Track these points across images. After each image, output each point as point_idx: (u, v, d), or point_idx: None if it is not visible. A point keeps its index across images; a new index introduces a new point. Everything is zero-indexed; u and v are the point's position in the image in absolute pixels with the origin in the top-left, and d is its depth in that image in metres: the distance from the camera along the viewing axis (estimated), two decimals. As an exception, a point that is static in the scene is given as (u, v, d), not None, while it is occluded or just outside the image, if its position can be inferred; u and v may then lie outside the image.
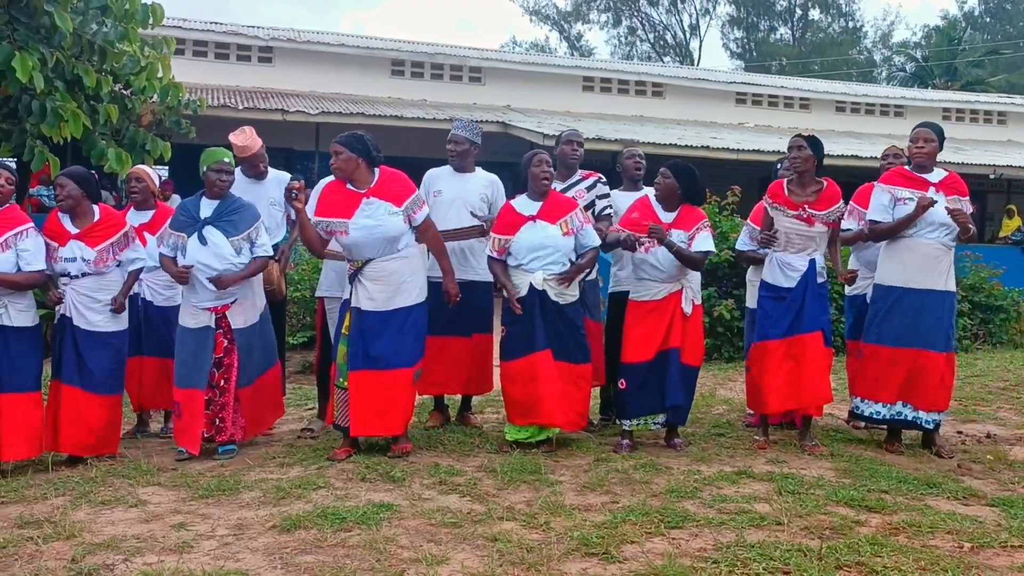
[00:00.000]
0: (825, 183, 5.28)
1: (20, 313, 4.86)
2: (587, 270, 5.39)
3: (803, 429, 5.38)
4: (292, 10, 66.12)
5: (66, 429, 4.98)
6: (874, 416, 5.37)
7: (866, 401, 5.39)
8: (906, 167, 5.44)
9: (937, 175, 5.28)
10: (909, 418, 5.27)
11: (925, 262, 5.21)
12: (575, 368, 5.22)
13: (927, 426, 5.28)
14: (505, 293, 5.21)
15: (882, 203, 5.30)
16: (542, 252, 5.16)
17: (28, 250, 4.84)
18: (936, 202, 5.13)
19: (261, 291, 5.35)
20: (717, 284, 9.53)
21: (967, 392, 7.49)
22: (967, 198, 5.28)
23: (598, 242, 5.30)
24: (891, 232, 5.26)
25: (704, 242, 5.21)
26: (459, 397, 6.09)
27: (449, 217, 5.59)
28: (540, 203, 5.25)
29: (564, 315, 5.19)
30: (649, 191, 5.64)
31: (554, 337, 5.16)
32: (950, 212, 5.14)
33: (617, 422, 5.49)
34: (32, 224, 4.94)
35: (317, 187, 5.75)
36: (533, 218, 5.20)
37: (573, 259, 5.25)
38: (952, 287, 5.32)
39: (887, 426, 5.42)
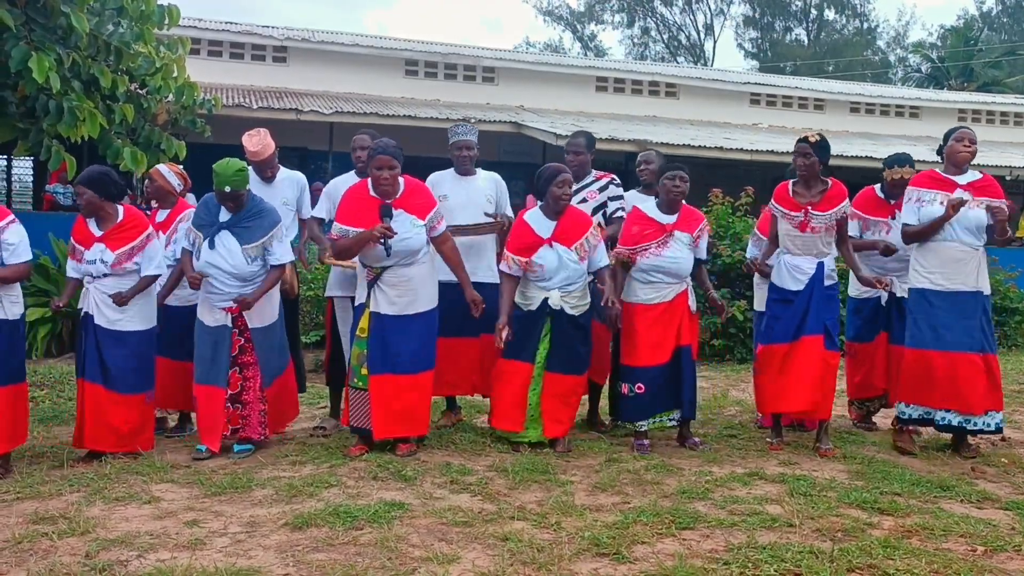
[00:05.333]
0: (830, 183, 5.26)
1: (12, 305, 4.85)
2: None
3: (818, 432, 5.36)
4: (315, 8, 66.19)
5: (91, 426, 5.03)
6: (924, 419, 5.28)
7: (912, 405, 5.30)
8: (936, 169, 5.40)
9: (968, 177, 5.25)
10: (955, 423, 5.19)
11: (952, 264, 5.17)
12: (567, 379, 5.24)
13: (987, 429, 5.20)
14: (500, 319, 5.14)
15: (911, 206, 5.28)
16: (562, 275, 5.18)
17: (12, 243, 4.81)
18: (966, 201, 5.09)
19: (277, 291, 5.36)
20: (730, 285, 9.51)
21: (982, 395, 7.44)
22: (1002, 200, 5.24)
23: (607, 261, 5.32)
24: (922, 234, 5.22)
25: (705, 246, 5.44)
26: (472, 398, 6.12)
27: (457, 221, 5.59)
28: (555, 223, 5.23)
29: (578, 324, 5.23)
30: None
31: (556, 349, 5.19)
32: (992, 210, 5.10)
33: (626, 424, 5.50)
34: (13, 217, 4.89)
35: (332, 185, 5.78)
36: (549, 241, 5.19)
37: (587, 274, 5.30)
38: (984, 287, 5.25)
39: (937, 430, 5.36)
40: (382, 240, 4.92)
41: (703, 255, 5.45)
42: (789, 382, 5.22)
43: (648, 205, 5.37)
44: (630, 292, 5.34)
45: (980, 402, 5.14)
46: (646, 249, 5.23)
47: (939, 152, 5.48)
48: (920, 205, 5.22)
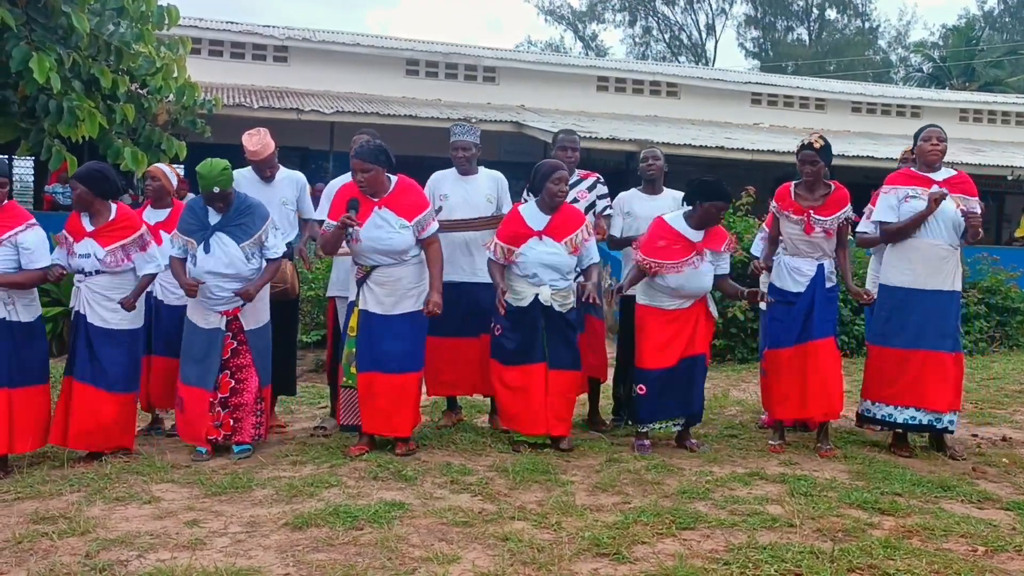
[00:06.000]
0: (833, 187, 5.24)
1: (26, 308, 4.87)
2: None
3: (819, 433, 5.35)
4: (316, 8, 66.16)
5: (76, 425, 4.99)
6: (886, 420, 5.32)
7: (877, 404, 5.35)
8: (912, 167, 5.42)
9: (943, 174, 5.26)
10: (924, 422, 5.21)
11: (931, 263, 5.18)
12: (566, 375, 5.24)
13: (944, 427, 5.21)
14: (497, 292, 5.19)
15: (889, 204, 5.28)
16: (548, 270, 5.16)
17: (29, 248, 4.82)
18: (947, 194, 5.09)
19: (267, 291, 5.35)
20: (731, 285, 9.48)
21: (983, 395, 7.43)
22: (976, 198, 5.25)
23: (598, 258, 5.34)
24: (903, 231, 5.21)
25: (728, 262, 5.39)
26: (472, 398, 6.12)
27: (456, 217, 5.59)
28: (548, 217, 5.22)
29: (567, 321, 5.23)
30: (669, 194, 5.72)
31: (553, 346, 5.19)
32: (965, 214, 5.11)
33: (631, 425, 5.49)
34: (33, 220, 4.90)
35: (331, 186, 5.78)
36: (540, 234, 5.17)
37: (575, 270, 5.28)
38: (958, 287, 5.28)
39: (895, 430, 5.37)
40: (345, 229, 4.97)
41: (726, 270, 5.34)
42: (801, 389, 5.20)
43: (675, 217, 5.25)
44: (651, 296, 5.24)
45: (949, 400, 5.17)
46: (673, 266, 5.12)
47: (912, 152, 5.50)
48: (908, 201, 5.21)
